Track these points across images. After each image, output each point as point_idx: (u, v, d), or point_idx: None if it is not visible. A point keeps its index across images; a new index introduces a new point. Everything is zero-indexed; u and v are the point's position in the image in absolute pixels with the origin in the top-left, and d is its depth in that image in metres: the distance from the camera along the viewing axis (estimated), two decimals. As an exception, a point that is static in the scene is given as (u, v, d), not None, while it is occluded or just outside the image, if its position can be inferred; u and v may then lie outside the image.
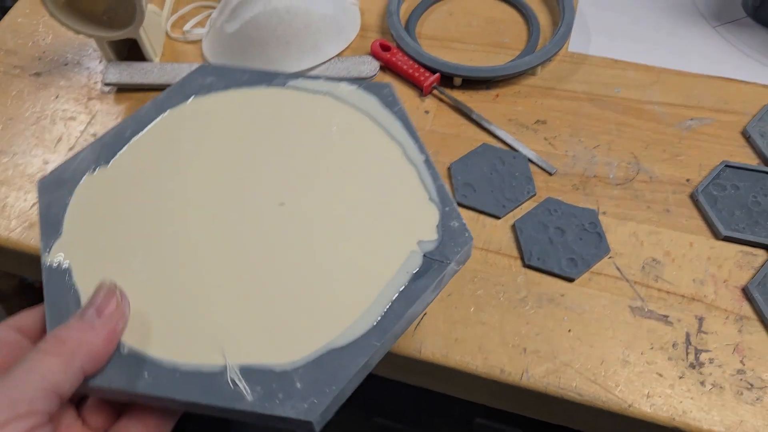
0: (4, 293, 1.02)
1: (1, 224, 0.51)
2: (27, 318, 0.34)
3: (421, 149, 0.40)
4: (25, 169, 0.55)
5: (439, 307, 0.46)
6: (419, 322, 0.45)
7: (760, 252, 0.48)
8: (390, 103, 0.43)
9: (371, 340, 0.33)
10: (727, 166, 0.52)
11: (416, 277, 0.35)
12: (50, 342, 0.30)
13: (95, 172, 0.40)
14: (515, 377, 0.43)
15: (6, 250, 0.51)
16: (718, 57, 0.60)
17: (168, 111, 0.43)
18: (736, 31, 0.62)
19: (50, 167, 0.55)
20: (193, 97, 0.44)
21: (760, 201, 0.49)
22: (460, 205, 0.51)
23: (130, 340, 0.33)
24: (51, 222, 0.38)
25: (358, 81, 0.44)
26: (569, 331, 0.45)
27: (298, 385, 0.31)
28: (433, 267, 0.36)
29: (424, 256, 0.36)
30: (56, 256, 0.37)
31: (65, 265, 0.36)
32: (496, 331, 0.45)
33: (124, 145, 0.42)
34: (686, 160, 0.53)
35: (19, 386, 0.27)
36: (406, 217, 0.38)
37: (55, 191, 0.40)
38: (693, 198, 0.51)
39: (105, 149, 0.41)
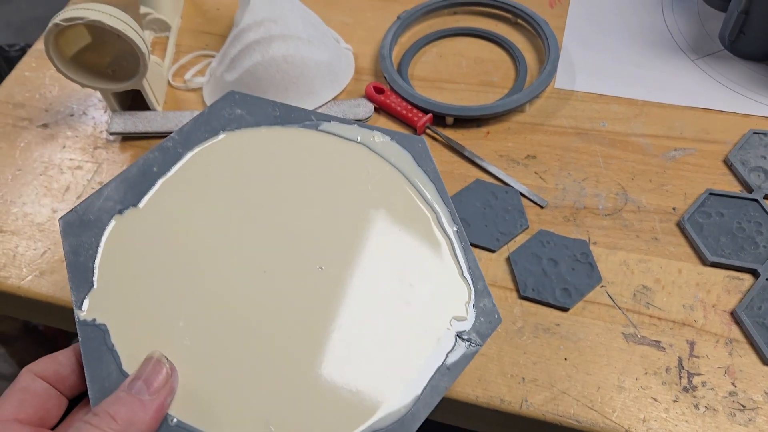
0: (8, 336, 1.03)
1: (12, 273, 0.53)
2: (51, 365, 0.34)
3: (454, 218, 0.41)
4: (34, 219, 0.57)
5: (438, 340, 0.47)
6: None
7: (746, 276, 0.49)
8: (423, 159, 0.43)
9: (411, 422, 0.34)
10: (711, 194, 0.54)
11: (450, 356, 0.36)
12: (101, 418, 0.30)
13: (124, 214, 0.39)
14: (515, 406, 0.44)
15: (18, 298, 0.53)
16: (698, 89, 0.62)
17: (197, 148, 0.42)
18: (715, 64, 0.65)
19: (59, 216, 0.57)
20: (222, 133, 0.42)
21: (744, 227, 0.51)
22: (455, 240, 0.53)
23: (176, 411, 0.33)
24: (80, 270, 0.37)
25: (391, 132, 0.44)
26: (565, 359, 0.46)
27: None
28: (466, 347, 0.37)
29: (457, 335, 0.37)
30: (91, 313, 0.35)
31: (101, 324, 0.35)
32: (495, 362, 0.46)
33: (153, 184, 0.40)
34: (672, 190, 0.55)
35: None
36: (439, 291, 0.38)
37: (81, 234, 0.38)
38: (680, 226, 0.53)
39: (132, 187, 0.40)
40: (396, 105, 0.61)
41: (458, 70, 0.66)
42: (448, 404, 0.46)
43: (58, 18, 0.55)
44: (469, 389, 0.45)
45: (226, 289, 0.37)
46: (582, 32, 0.69)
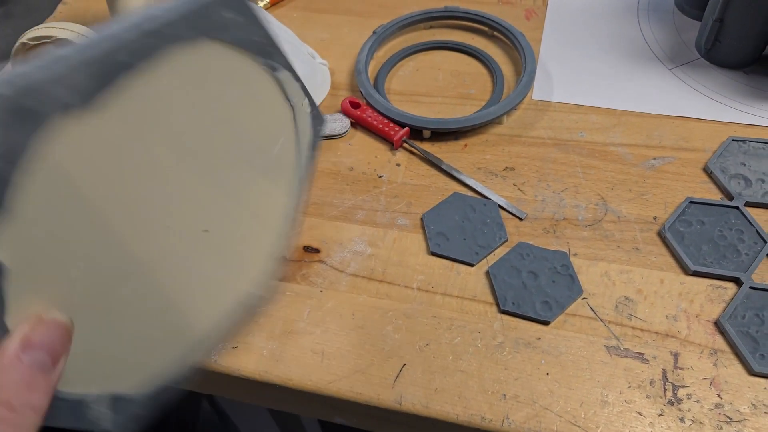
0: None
1: None
2: None
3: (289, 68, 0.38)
4: None
5: (417, 357, 0.46)
6: (398, 374, 0.45)
7: (730, 285, 0.48)
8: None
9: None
10: (691, 202, 0.53)
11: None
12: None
13: (71, 114, 0.26)
14: (496, 424, 0.43)
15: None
16: (676, 97, 0.62)
17: (172, 49, 0.30)
18: (692, 72, 0.64)
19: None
20: (206, 40, 0.31)
21: (726, 235, 0.51)
22: (433, 254, 0.52)
23: None
24: None
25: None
26: (547, 374, 0.45)
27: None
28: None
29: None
30: None
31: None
32: (475, 379, 0.45)
33: (115, 78, 0.28)
34: (652, 199, 0.54)
35: None
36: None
37: (12, 127, 0.24)
38: (660, 235, 0.52)
39: (93, 77, 0.27)
40: (372, 119, 0.61)
41: (435, 84, 0.66)
42: (426, 423, 0.44)
43: (26, 37, 0.54)
44: (449, 407, 0.44)
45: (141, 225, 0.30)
46: (559, 43, 0.69)
